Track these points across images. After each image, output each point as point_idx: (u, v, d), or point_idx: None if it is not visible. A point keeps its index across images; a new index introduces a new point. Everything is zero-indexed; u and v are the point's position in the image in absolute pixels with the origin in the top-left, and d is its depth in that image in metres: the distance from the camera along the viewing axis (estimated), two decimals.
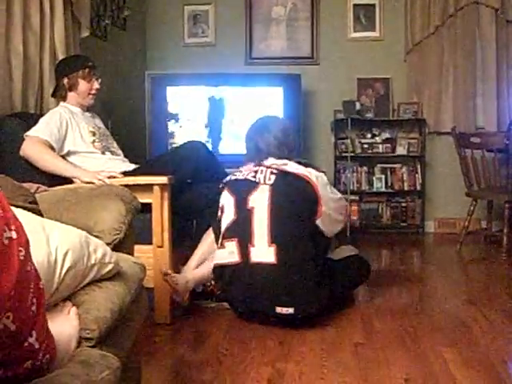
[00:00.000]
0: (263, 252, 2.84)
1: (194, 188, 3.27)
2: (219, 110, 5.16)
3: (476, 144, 4.67)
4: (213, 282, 3.20)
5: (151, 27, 5.93)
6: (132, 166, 3.31)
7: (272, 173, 2.94)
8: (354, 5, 5.86)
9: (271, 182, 2.90)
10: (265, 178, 2.93)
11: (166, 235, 2.89)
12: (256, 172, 2.98)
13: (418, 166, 5.80)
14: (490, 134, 5.14)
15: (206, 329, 2.86)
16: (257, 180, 2.94)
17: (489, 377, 2.27)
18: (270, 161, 3.04)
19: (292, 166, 2.97)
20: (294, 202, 2.89)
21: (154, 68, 5.71)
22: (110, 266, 1.55)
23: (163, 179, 2.85)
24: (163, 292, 2.90)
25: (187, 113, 5.14)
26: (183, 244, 3.26)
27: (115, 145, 3.45)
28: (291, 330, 2.82)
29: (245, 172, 3.03)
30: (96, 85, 3.30)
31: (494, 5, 5.63)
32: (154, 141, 5.03)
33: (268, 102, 5.22)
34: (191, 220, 3.37)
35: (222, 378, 2.26)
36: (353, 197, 5.73)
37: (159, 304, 2.91)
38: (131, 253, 2.01)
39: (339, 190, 5.60)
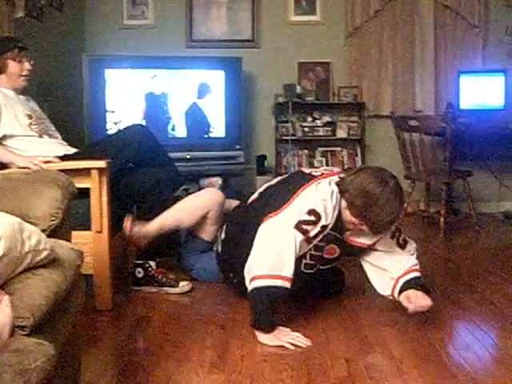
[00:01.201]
0: None
1: (135, 172, 3.23)
2: (158, 106, 5.10)
3: (414, 127, 4.75)
4: (154, 267, 3.18)
5: (89, 8, 5.78)
6: (72, 150, 3.24)
7: None
8: None
9: None
10: None
11: (105, 220, 2.85)
12: None
13: (358, 149, 5.87)
14: (427, 117, 5.23)
15: (147, 314, 2.84)
16: None
17: (427, 353, 2.33)
18: None
19: None
20: None
21: (92, 50, 5.58)
22: (44, 253, 1.52)
23: (101, 163, 2.80)
24: (103, 278, 2.86)
25: (126, 96, 5.05)
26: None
27: (53, 128, 3.36)
28: (233, 314, 2.82)
29: None
30: (27, 66, 3.20)
31: None
32: (92, 124, 4.93)
33: (209, 85, 5.19)
34: (132, 204, 3.33)
35: (164, 364, 2.25)
36: None
37: (99, 290, 2.87)
38: (68, 239, 1.98)
39: (279, 174, 5.68)
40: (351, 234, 2.73)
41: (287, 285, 2.45)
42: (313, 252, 2.66)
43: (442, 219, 4.66)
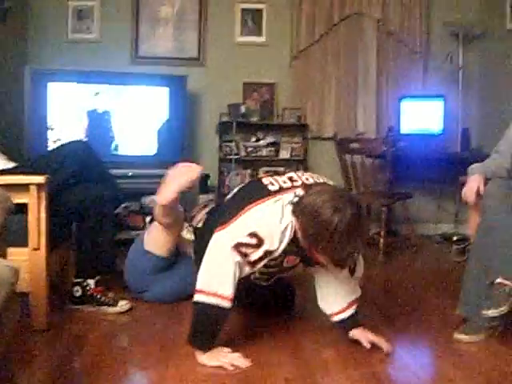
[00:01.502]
0: None
1: (75, 188, 3.17)
2: (101, 123, 5.04)
3: (356, 149, 4.82)
4: (93, 286, 3.12)
5: (34, 21, 5.68)
6: (11, 164, 3.15)
7: None
8: (242, 9, 5.91)
9: None
10: None
11: (43, 237, 2.78)
12: None
13: (301, 170, 5.92)
14: (369, 140, 5.33)
15: (84, 334, 2.77)
16: None
17: (366, 374, 2.34)
18: None
19: None
20: None
21: (36, 63, 5.47)
22: None
23: (39, 178, 2.74)
24: (40, 297, 2.78)
25: (68, 112, 4.98)
26: (62, 246, 3.16)
27: None
28: (173, 334, 2.79)
29: None
30: None
31: (376, 16, 5.85)
32: (32, 138, 4.83)
33: (153, 102, 5.17)
34: (72, 221, 3.26)
35: None
36: None
37: (35, 309, 2.78)
38: (3, 255, 1.92)
39: (223, 193, 5.67)
40: None
41: (226, 304, 2.34)
42: (264, 270, 2.59)
43: (381, 240, 4.73)
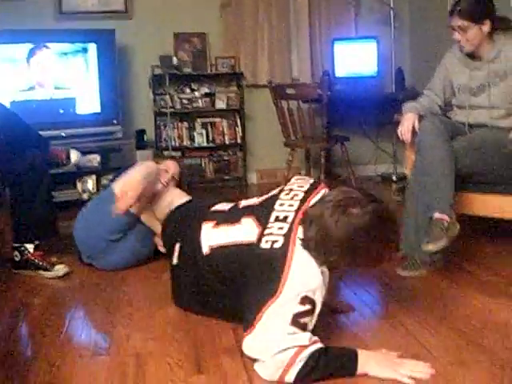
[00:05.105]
0: None
1: (4, 156, 3.05)
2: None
3: (291, 95, 4.79)
4: (31, 251, 3.05)
5: None
6: None
7: None
8: None
9: None
10: None
11: None
12: None
13: (238, 120, 5.88)
14: (304, 85, 5.31)
15: (27, 301, 2.71)
16: None
17: None
18: None
19: None
20: None
21: None
22: None
23: None
24: None
25: None
26: None
27: None
28: (118, 294, 2.76)
29: None
30: None
31: None
32: None
33: (80, 60, 4.99)
34: (5, 187, 3.16)
35: (46, 351, 2.15)
36: (175, 153, 5.69)
37: None
38: None
39: (161, 148, 5.59)
40: None
41: (318, 345, 1.88)
42: None
43: None
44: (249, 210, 2.28)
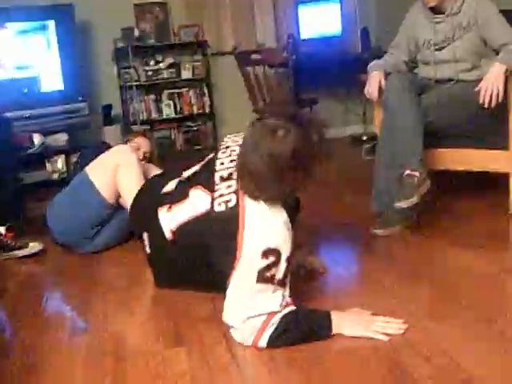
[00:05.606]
0: None
1: None
2: None
3: (257, 60, 4.73)
4: (3, 232, 3.00)
5: None
6: None
7: None
8: None
9: None
10: None
11: None
12: None
13: (205, 89, 5.82)
14: (269, 49, 5.28)
15: (2, 285, 2.67)
16: None
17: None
18: None
19: None
20: None
21: None
22: None
23: None
24: None
25: None
26: None
27: None
28: (94, 273, 2.74)
29: None
30: None
31: None
32: None
33: (39, 37, 4.88)
34: None
35: (24, 335, 2.12)
36: (144, 126, 5.62)
37: None
38: None
39: (129, 122, 5.52)
40: None
41: (290, 308, 1.87)
42: None
43: None
44: (193, 181, 2.24)
